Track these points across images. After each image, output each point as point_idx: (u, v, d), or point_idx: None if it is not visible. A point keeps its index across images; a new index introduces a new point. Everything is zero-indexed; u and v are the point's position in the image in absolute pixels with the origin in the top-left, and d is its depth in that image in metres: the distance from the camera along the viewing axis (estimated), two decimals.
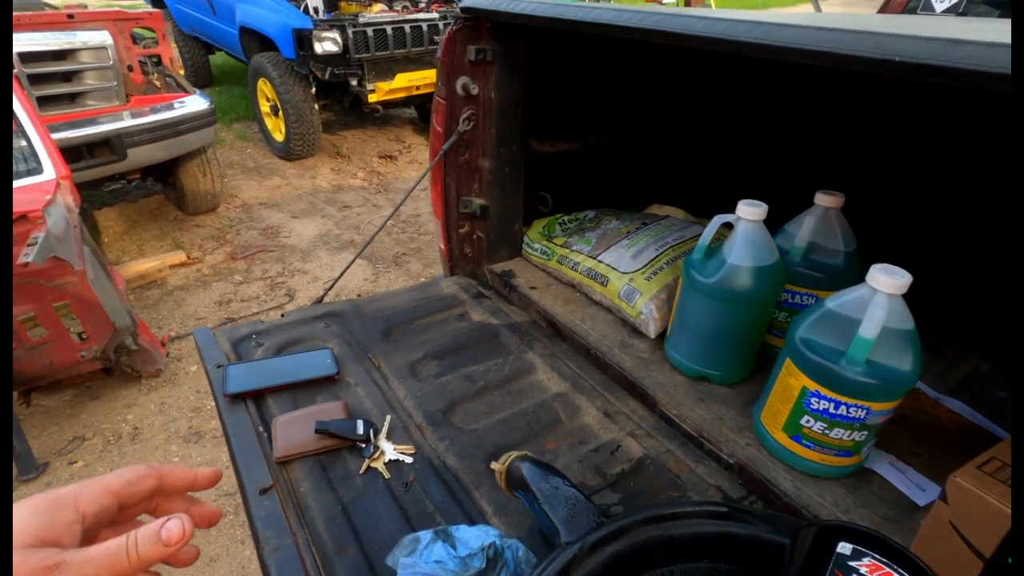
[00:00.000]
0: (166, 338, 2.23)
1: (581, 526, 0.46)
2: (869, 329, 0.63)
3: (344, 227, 3.26)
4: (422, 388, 0.85)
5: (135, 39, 2.68)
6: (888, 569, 0.37)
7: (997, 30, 0.49)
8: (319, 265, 2.83)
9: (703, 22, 0.61)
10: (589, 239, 1.15)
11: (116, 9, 2.64)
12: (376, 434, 0.74)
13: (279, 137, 3.93)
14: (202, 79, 5.38)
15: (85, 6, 2.77)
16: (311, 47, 3.36)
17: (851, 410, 0.66)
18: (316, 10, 3.44)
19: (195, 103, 2.65)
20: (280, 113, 3.75)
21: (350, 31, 3.41)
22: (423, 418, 0.79)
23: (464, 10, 0.98)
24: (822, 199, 0.87)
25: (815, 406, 0.68)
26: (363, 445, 0.72)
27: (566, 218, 1.29)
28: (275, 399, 0.80)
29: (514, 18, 0.87)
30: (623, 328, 1.02)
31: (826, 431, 0.68)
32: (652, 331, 0.97)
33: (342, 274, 1.19)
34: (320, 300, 1.07)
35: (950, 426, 0.83)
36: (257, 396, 0.80)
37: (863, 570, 0.37)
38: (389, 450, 0.72)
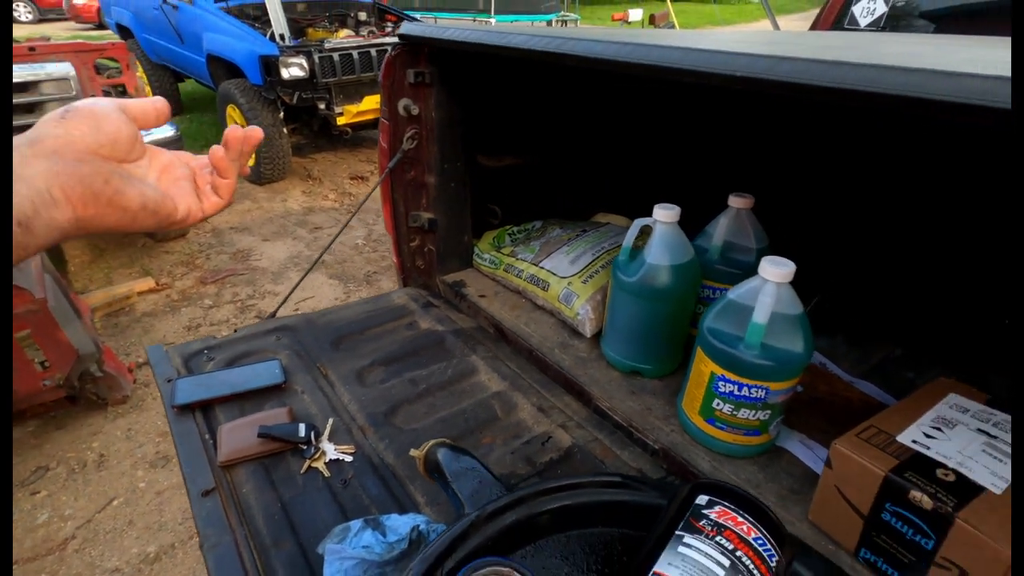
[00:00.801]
0: (133, 365, 2.23)
1: (484, 499, 0.51)
2: (760, 315, 0.69)
3: (315, 248, 3.29)
4: (367, 393, 0.89)
5: (99, 70, 2.71)
6: (733, 513, 0.42)
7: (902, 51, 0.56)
8: (290, 286, 2.85)
9: (599, 46, 0.68)
10: (533, 247, 1.21)
11: (79, 41, 2.68)
12: (318, 436, 0.78)
13: (249, 161, 3.96)
14: (172, 107, 5.38)
15: (48, 38, 2.79)
16: (278, 73, 3.42)
17: (752, 391, 0.72)
18: (283, 37, 3.51)
19: (161, 131, 2.68)
20: None
21: (316, 56, 3.48)
22: (365, 420, 0.83)
23: (401, 37, 1.04)
24: (734, 201, 0.94)
25: (722, 389, 0.74)
26: (305, 447, 0.76)
27: (515, 229, 1.35)
28: (223, 409, 0.84)
29: (445, 44, 0.94)
30: (564, 330, 1.08)
31: (734, 412, 0.74)
32: (588, 331, 1.02)
33: (293, 289, 1.23)
34: (273, 315, 1.11)
35: (860, 406, 0.90)
36: (205, 406, 0.83)
37: (712, 515, 0.42)
38: (330, 450, 0.76)
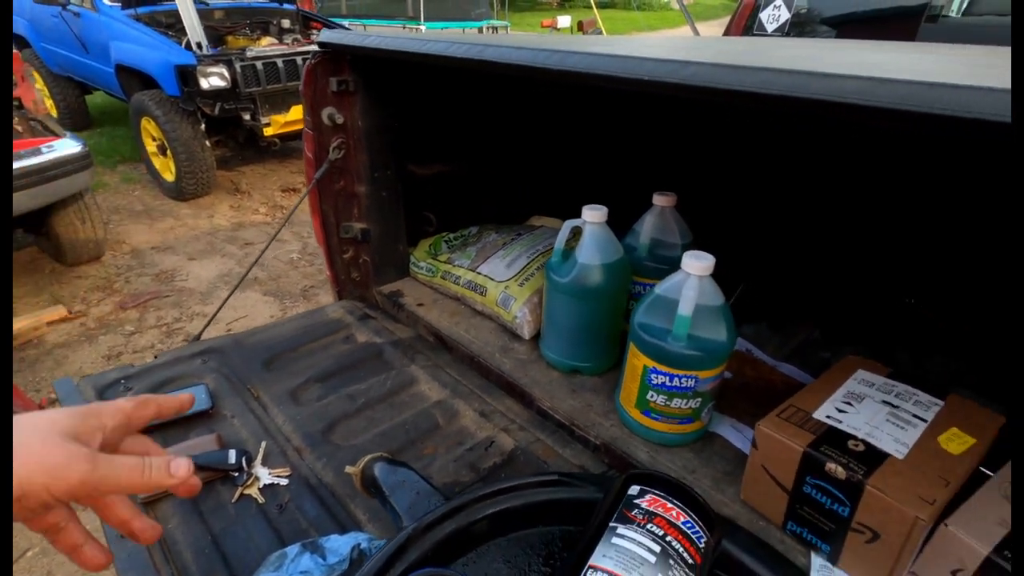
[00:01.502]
0: (45, 401, 2.05)
1: (422, 511, 0.50)
2: (685, 308, 0.72)
3: (247, 265, 3.14)
4: (302, 412, 0.86)
5: None
6: (663, 500, 0.44)
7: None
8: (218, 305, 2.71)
9: (517, 52, 0.69)
10: (470, 253, 1.21)
11: None
12: (250, 462, 0.74)
13: (169, 177, 3.74)
14: (79, 121, 5.02)
15: None
16: (196, 83, 3.25)
17: (683, 380, 0.75)
18: (199, 45, 3.34)
19: (65, 146, 2.49)
20: (169, 152, 3.58)
21: (238, 65, 3.34)
22: (301, 440, 0.80)
23: (321, 44, 1.02)
24: (658, 199, 0.98)
25: (655, 381, 0.76)
26: (236, 474, 0.72)
27: (451, 235, 1.34)
28: None
29: (366, 51, 0.92)
30: (504, 334, 1.08)
31: (667, 402, 0.77)
32: (527, 333, 1.03)
33: (220, 307, 1.17)
34: (198, 337, 1.05)
35: (782, 387, 0.95)
36: None
37: (644, 504, 0.44)
38: (264, 475, 0.73)
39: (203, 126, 3.51)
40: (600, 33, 8.17)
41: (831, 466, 0.60)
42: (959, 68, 0.56)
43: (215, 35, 3.72)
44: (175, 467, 0.41)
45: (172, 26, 3.70)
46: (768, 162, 1.25)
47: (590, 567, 0.40)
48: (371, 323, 1.13)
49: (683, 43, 1.09)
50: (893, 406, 0.68)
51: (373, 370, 0.98)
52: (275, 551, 0.63)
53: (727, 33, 2.16)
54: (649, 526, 0.42)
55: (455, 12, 6.66)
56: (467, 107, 1.31)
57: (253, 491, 0.71)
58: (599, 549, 0.41)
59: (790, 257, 1.26)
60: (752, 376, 0.98)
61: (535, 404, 0.91)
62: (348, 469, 0.60)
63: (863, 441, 0.62)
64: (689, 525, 0.43)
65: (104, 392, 0.88)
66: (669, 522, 0.42)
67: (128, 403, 0.43)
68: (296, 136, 3.80)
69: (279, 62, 3.49)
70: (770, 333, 1.11)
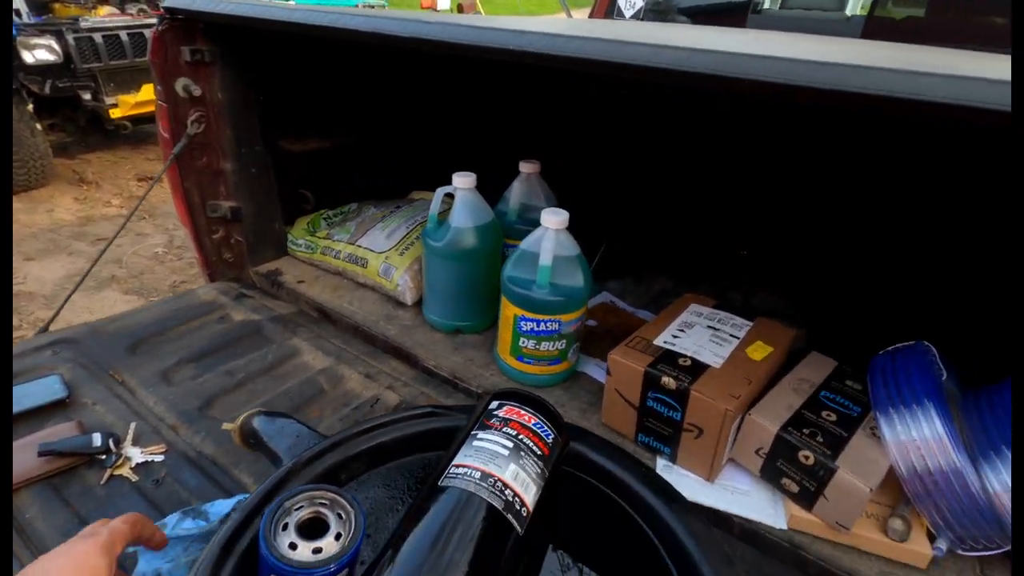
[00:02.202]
0: None
1: (301, 450, 0.53)
2: (545, 258, 0.80)
3: (102, 262, 2.82)
4: (175, 391, 0.83)
5: None
6: (518, 409, 0.51)
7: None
8: (71, 309, 2.41)
9: (381, 21, 0.71)
10: (349, 228, 1.21)
11: None
12: (118, 443, 0.72)
13: None
14: None
15: None
16: (18, 56, 2.83)
17: (548, 324, 0.83)
18: (18, 12, 2.90)
19: None
20: None
21: (70, 37, 2.95)
22: (176, 418, 0.78)
23: (167, 10, 0.96)
24: (524, 167, 1.06)
25: (525, 328, 0.84)
26: (103, 456, 0.69)
27: (330, 212, 1.33)
28: None
29: (219, 19, 0.89)
30: (388, 303, 1.11)
31: (537, 346, 0.86)
32: (409, 299, 1.07)
33: (69, 296, 1.08)
34: (46, 328, 0.96)
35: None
36: None
37: (501, 414, 0.50)
38: (136, 455, 0.71)
39: (30, 107, 3.07)
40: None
41: (665, 380, 0.71)
42: (754, 45, 0.68)
43: (38, 2, 3.24)
44: None
45: None
46: (626, 131, 1.39)
47: (453, 465, 0.46)
48: (248, 302, 1.10)
49: (541, 22, 1.17)
50: (715, 329, 0.82)
51: (252, 346, 0.96)
52: None
53: (591, 17, 2.31)
54: (504, 429, 0.49)
55: None
56: (339, 81, 1.30)
57: (124, 471, 0.69)
58: (461, 452, 0.47)
59: (647, 218, 1.41)
60: (615, 323, 1.10)
61: (420, 363, 0.96)
62: (225, 425, 0.61)
63: (691, 358, 0.75)
64: (538, 425, 0.50)
65: None
66: (521, 424, 0.49)
67: (133, 525, 0.44)
68: (150, 119, 3.44)
69: (123, 35, 3.13)
70: (633, 286, 1.25)
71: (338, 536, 0.41)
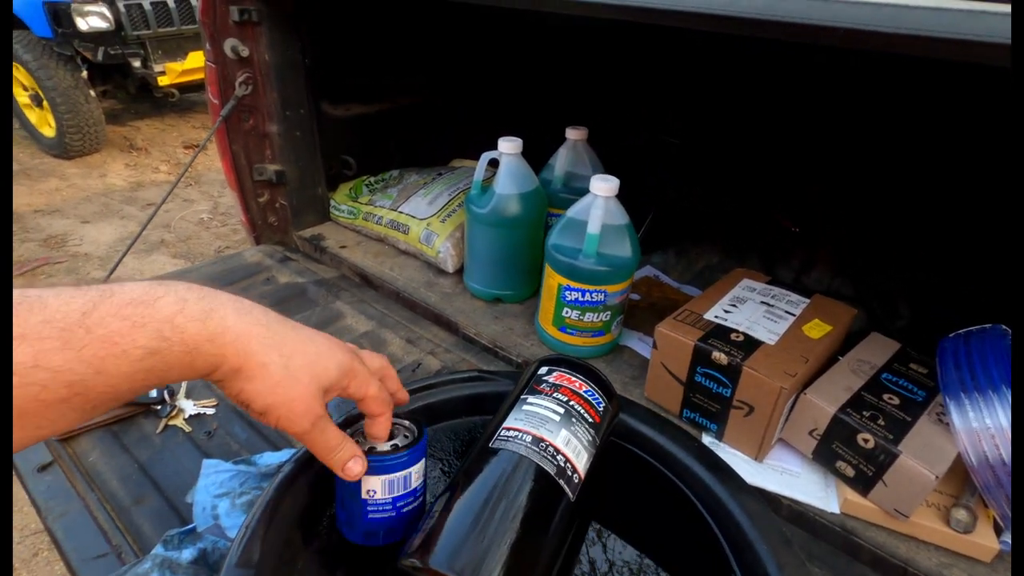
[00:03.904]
0: None
1: (348, 409, 0.53)
2: (593, 226, 0.78)
3: (151, 227, 2.92)
4: None
5: None
6: (568, 375, 0.50)
7: None
8: (124, 271, 2.52)
9: None
10: (391, 194, 1.21)
11: None
12: (173, 395, 0.74)
13: (48, 132, 3.36)
14: None
15: None
16: (72, 24, 2.91)
17: (593, 295, 0.81)
18: None
19: None
20: (45, 103, 3.20)
21: (121, 4, 3.01)
22: None
23: None
24: (571, 133, 1.02)
25: (569, 298, 0.83)
26: (159, 407, 0.72)
27: (372, 179, 1.33)
28: None
29: None
30: (429, 270, 1.11)
31: (580, 317, 0.84)
32: (451, 267, 1.07)
33: (121, 258, 1.11)
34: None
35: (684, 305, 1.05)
36: None
37: (551, 379, 0.49)
38: (189, 407, 0.73)
39: (85, 74, 3.16)
40: None
41: (716, 355, 0.69)
42: None
43: None
44: (350, 467, 0.42)
45: None
46: (673, 96, 1.33)
47: (503, 428, 0.45)
48: (292, 265, 1.11)
49: None
50: (769, 305, 0.78)
51: (297, 307, 0.98)
52: None
53: None
54: (555, 395, 0.48)
55: None
56: (383, 43, 1.28)
57: (178, 422, 0.71)
58: (511, 415, 0.46)
59: (694, 189, 1.36)
60: (658, 297, 1.07)
61: (460, 331, 0.96)
62: None
63: (743, 333, 0.72)
64: (589, 392, 0.49)
65: None
66: (572, 391, 0.48)
67: (373, 389, 0.43)
68: (198, 87, 3.50)
69: (170, 2, 3.17)
70: (676, 260, 1.21)
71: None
